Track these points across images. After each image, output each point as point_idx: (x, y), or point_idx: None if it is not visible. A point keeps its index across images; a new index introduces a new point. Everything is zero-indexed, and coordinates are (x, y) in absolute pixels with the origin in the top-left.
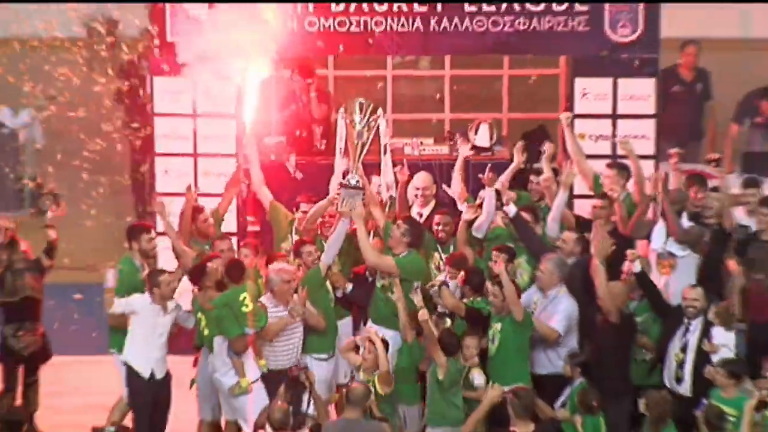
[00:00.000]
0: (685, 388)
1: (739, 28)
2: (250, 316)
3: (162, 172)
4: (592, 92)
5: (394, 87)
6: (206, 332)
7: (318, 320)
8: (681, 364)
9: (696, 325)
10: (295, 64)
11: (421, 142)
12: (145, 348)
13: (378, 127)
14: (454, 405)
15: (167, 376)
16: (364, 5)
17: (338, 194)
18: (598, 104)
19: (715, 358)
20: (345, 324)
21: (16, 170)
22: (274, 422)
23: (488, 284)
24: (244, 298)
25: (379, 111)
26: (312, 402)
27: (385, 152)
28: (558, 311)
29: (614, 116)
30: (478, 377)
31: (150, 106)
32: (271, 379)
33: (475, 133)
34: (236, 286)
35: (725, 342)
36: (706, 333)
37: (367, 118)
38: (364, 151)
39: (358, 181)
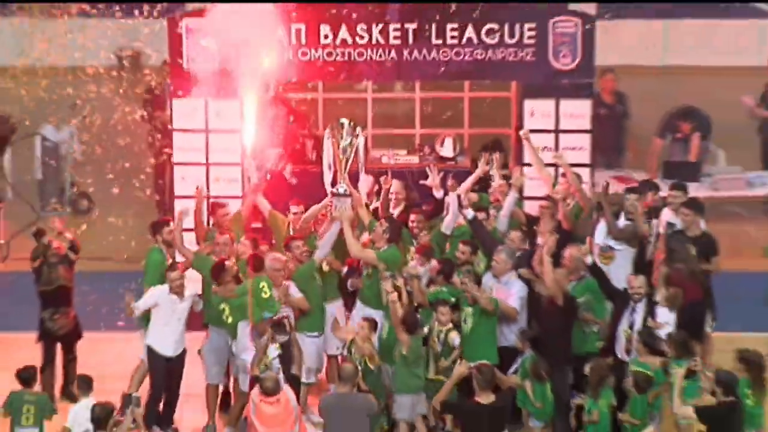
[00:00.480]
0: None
1: (659, 57)
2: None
3: (180, 179)
4: (538, 112)
5: (374, 107)
6: (230, 320)
7: (300, 302)
8: (629, 340)
9: (641, 307)
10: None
11: (396, 153)
12: (165, 332)
13: (358, 144)
14: (416, 376)
15: (183, 352)
16: (348, 39)
17: (331, 201)
18: (543, 121)
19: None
20: (338, 306)
21: (58, 177)
22: (266, 390)
23: (456, 277)
24: (263, 285)
25: (359, 129)
26: (293, 346)
27: (363, 164)
28: (512, 293)
29: (557, 131)
30: (455, 338)
31: (170, 124)
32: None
33: (441, 145)
34: (256, 276)
35: (667, 320)
36: (650, 313)
37: (350, 136)
38: (349, 164)
39: (345, 190)
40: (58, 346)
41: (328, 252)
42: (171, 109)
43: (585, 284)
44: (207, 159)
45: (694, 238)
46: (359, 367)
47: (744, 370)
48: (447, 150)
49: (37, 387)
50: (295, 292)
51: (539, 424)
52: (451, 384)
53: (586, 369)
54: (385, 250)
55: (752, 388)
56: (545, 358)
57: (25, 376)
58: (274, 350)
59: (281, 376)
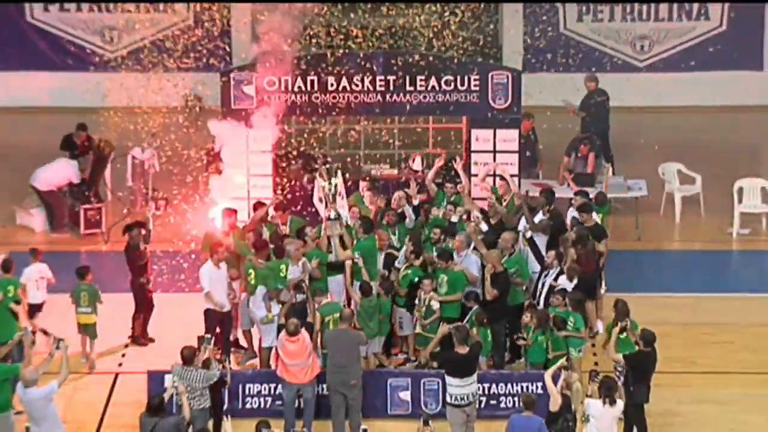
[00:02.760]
0: (541, 307)
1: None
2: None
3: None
4: (481, 137)
5: (366, 132)
6: (253, 282)
7: (316, 272)
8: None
9: (552, 273)
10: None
11: (381, 167)
12: (218, 295)
13: (338, 182)
14: (368, 327)
15: (229, 311)
16: (348, 87)
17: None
18: (484, 144)
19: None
20: (338, 280)
21: (144, 185)
22: (290, 331)
23: (428, 254)
24: (282, 267)
25: (338, 172)
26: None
27: (339, 196)
28: (470, 263)
29: (494, 152)
30: (435, 304)
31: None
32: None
33: (413, 162)
34: (278, 260)
35: (564, 285)
36: (556, 278)
37: (331, 178)
38: (331, 197)
39: (336, 216)
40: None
41: (337, 254)
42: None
43: (515, 258)
44: (248, 172)
45: (590, 228)
46: (354, 312)
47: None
48: (417, 165)
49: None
50: (301, 270)
51: (483, 359)
52: (437, 340)
53: (525, 316)
54: (362, 241)
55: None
56: (487, 311)
57: (80, 272)
58: (276, 307)
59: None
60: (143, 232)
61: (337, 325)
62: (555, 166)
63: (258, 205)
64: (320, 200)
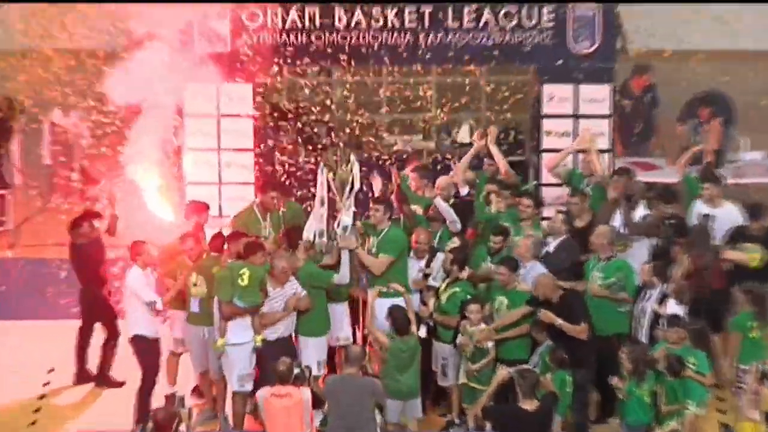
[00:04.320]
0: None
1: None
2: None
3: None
4: (557, 96)
5: (389, 90)
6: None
7: (305, 302)
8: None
9: (655, 294)
10: None
11: (411, 138)
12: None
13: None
14: (398, 381)
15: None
16: (363, 23)
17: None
18: (561, 106)
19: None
20: (340, 310)
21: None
22: (279, 376)
23: (491, 265)
24: (244, 272)
25: (353, 157)
26: None
27: (351, 189)
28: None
29: (576, 116)
30: (489, 342)
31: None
32: (270, 349)
33: (457, 132)
34: (245, 261)
35: (675, 312)
36: (660, 302)
37: (346, 164)
38: (347, 190)
39: (348, 223)
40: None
41: (347, 276)
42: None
43: (615, 264)
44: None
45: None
46: (366, 351)
47: (749, 303)
48: (464, 135)
49: None
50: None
51: (558, 417)
52: (492, 390)
53: (622, 354)
54: (387, 232)
55: (756, 320)
56: (567, 346)
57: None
58: (245, 332)
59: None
60: (97, 225)
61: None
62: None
63: (217, 237)
64: (321, 203)
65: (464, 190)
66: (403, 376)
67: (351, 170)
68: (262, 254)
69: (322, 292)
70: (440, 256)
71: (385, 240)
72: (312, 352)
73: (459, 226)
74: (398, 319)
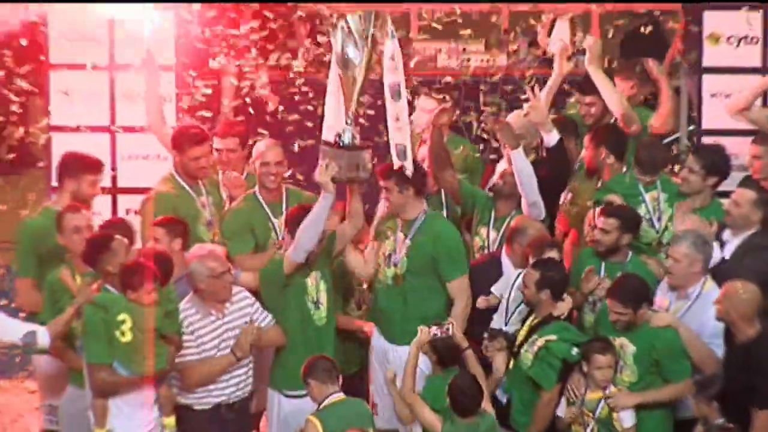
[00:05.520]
0: None
1: None
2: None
3: None
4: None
5: None
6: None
7: (276, 337)
8: None
9: None
10: None
11: (464, 49)
12: None
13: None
14: None
15: None
16: None
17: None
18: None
19: None
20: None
21: None
22: None
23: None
24: (124, 321)
25: (390, 27)
26: None
27: (396, 96)
28: (708, 315)
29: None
30: (627, 418)
31: None
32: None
33: (549, 33)
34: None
35: None
36: None
37: (364, 37)
38: (358, 86)
39: (351, 140)
40: None
41: (310, 247)
42: None
43: None
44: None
45: None
46: None
47: None
48: (557, 44)
49: None
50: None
51: None
52: None
53: None
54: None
55: None
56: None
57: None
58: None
59: None
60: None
61: None
62: None
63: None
64: (339, 103)
65: (551, 138)
66: None
67: (373, 51)
68: (155, 285)
69: (306, 311)
70: (513, 273)
71: (440, 245)
72: (290, 420)
73: (543, 211)
74: (461, 392)
